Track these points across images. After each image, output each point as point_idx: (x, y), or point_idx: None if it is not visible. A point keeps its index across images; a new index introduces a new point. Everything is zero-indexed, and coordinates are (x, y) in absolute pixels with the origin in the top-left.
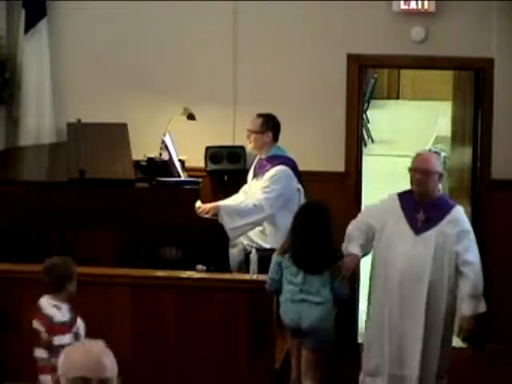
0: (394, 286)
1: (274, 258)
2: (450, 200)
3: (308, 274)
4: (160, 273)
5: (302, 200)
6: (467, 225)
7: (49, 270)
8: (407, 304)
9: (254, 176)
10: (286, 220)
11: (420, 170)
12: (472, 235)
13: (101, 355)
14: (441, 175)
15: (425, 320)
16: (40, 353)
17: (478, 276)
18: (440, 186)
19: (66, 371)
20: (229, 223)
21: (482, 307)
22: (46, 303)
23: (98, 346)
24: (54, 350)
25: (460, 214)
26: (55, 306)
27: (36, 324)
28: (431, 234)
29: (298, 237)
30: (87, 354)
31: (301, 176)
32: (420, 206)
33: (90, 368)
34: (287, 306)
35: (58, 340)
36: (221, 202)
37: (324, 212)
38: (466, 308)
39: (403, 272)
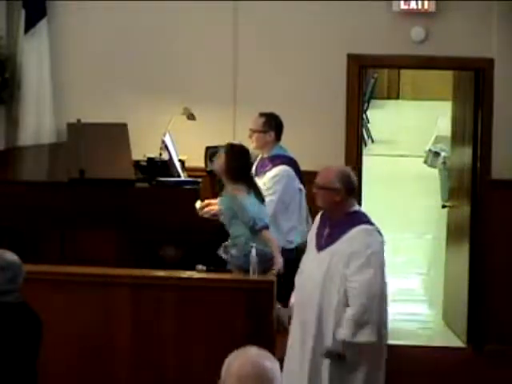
0: (296, 307)
1: None
2: (361, 218)
3: None
4: (160, 273)
5: (303, 200)
6: (363, 247)
7: None
8: (302, 328)
9: (256, 175)
10: (287, 220)
11: (315, 185)
12: (368, 259)
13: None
14: (349, 191)
15: (312, 349)
16: None
17: (361, 304)
18: (356, 204)
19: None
20: None
21: (364, 337)
22: None
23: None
24: None
25: (358, 233)
26: None
27: None
28: (327, 253)
29: None
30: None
31: (302, 176)
32: (328, 223)
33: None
34: None
35: None
36: None
37: None
38: (340, 331)
39: (301, 292)
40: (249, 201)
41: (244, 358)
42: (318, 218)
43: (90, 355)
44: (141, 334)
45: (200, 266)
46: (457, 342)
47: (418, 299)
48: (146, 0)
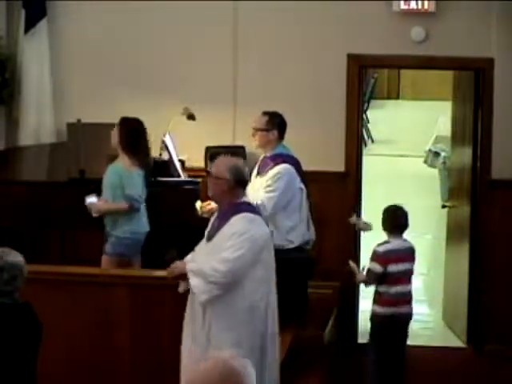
0: (190, 295)
1: None
2: (246, 208)
3: None
4: (160, 273)
5: (304, 200)
6: (242, 229)
7: None
8: (192, 316)
9: (258, 174)
10: (287, 219)
11: (208, 173)
12: (242, 242)
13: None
14: (237, 182)
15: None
16: None
17: (212, 267)
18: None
19: None
20: None
21: (205, 295)
22: None
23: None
24: None
25: (239, 219)
26: None
27: None
28: (213, 242)
29: None
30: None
31: (304, 175)
32: (218, 214)
33: None
34: None
35: None
36: None
37: None
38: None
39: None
40: (139, 178)
41: (213, 361)
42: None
43: (90, 355)
44: (140, 334)
45: None
46: (457, 342)
47: (417, 299)
48: (147, 0)
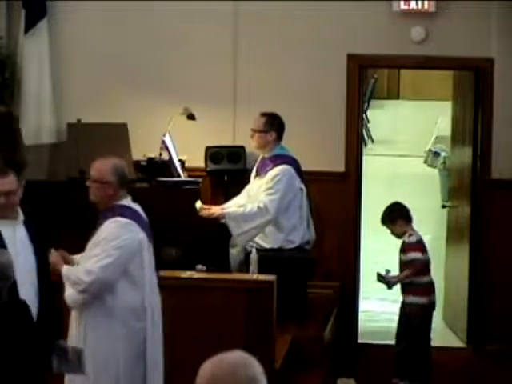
0: None
1: None
2: (119, 211)
3: None
4: (160, 273)
5: (305, 200)
6: (110, 236)
7: None
8: None
9: (257, 175)
10: (288, 220)
11: (90, 178)
12: (109, 249)
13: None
14: (122, 184)
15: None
16: None
17: (77, 277)
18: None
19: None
20: (235, 229)
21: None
22: None
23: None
24: None
25: (109, 225)
26: None
27: None
28: (89, 243)
29: None
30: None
31: (303, 176)
32: (99, 214)
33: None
34: None
35: None
36: (226, 209)
37: None
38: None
39: None
40: None
41: (217, 360)
42: None
43: None
44: None
45: (200, 266)
46: (457, 342)
47: None
48: (146, 0)
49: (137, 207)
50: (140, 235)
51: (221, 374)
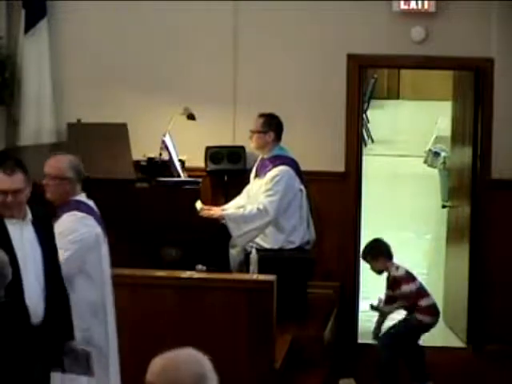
0: None
1: None
2: (75, 206)
3: None
4: (160, 273)
5: (304, 200)
6: (67, 231)
7: None
8: None
9: (256, 176)
10: (287, 221)
11: (47, 176)
12: (68, 243)
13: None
14: (79, 179)
15: None
16: None
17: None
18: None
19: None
20: (235, 230)
21: None
22: None
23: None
24: None
25: (65, 219)
26: None
27: None
28: None
29: None
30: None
31: (303, 176)
32: (56, 210)
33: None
34: None
35: None
36: (226, 210)
37: None
38: None
39: None
40: None
41: (168, 356)
42: None
43: None
44: (140, 334)
45: (200, 266)
46: (457, 342)
47: None
48: (146, 0)
49: (90, 203)
50: (97, 229)
51: (171, 369)
